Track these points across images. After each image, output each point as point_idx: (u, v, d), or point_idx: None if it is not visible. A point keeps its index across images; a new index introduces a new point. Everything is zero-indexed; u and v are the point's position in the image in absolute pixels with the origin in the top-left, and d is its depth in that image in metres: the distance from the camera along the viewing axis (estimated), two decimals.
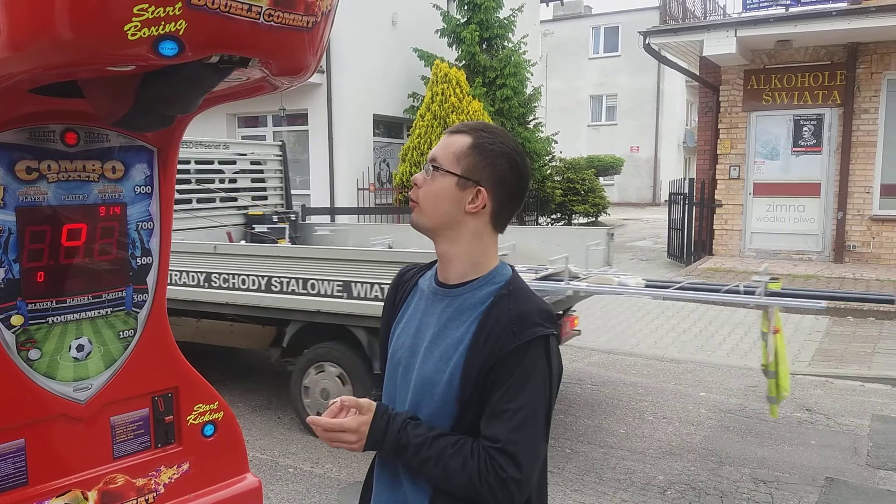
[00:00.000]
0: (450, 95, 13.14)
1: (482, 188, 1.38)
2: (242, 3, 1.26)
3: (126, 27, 1.19)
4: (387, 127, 15.83)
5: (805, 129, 11.21)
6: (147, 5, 1.19)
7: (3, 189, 1.64)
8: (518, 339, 1.31)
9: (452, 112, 13.02)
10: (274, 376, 6.01)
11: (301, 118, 15.00)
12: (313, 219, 12.70)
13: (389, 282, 1.61)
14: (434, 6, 15.18)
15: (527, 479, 1.31)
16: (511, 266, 1.48)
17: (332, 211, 14.12)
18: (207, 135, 15.50)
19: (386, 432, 1.36)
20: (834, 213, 11.04)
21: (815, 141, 11.18)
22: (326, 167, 14.72)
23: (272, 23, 1.32)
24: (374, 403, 1.40)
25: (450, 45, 15.23)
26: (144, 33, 1.21)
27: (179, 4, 1.21)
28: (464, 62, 14.99)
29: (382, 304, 1.64)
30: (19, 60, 1.31)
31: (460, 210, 1.38)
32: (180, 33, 1.22)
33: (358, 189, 14.65)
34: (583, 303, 8.97)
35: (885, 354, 6.58)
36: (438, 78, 13.37)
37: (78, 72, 1.41)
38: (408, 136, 14.70)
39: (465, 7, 14.96)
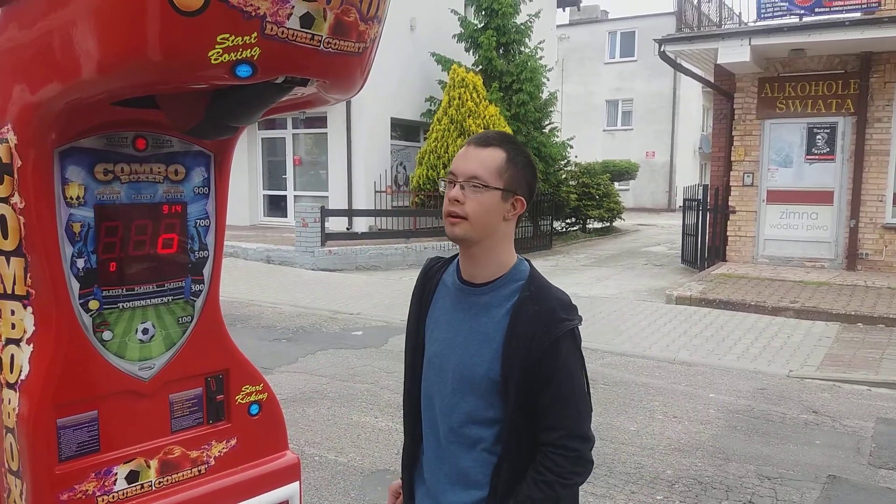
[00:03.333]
0: (466, 100, 13.32)
1: (520, 197, 1.55)
2: (307, 32, 1.46)
3: (210, 53, 1.39)
4: (404, 130, 16.06)
5: (818, 137, 11.31)
6: (228, 35, 1.39)
7: (84, 189, 1.85)
8: (550, 337, 1.48)
9: (469, 116, 13.20)
10: (298, 372, 6.23)
11: (320, 121, 15.27)
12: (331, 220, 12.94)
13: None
14: (452, 11, 15.40)
15: (591, 437, 1.54)
16: (527, 260, 1.62)
17: (350, 213, 14.36)
18: None
19: None
20: (846, 221, 11.13)
21: (828, 149, 11.28)
22: (344, 170, 14.97)
23: (330, 49, 1.52)
24: None
25: (467, 49, 15.44)
26: (225, 58, 1.40)
27: (255, 34, 1.41)
28: (481, 67, 15.17)
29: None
30: (110, 80, 1.51)
31: (500, 219, 1.53)
32: (255, 58, 1.42)
33: (375, 192, 14.89)
34: (598, 308, 9.13)
35: (893, 360, 6.69)
36: (455, 82, 13.56)
37: (159, 89, 1.62)
38: (424, 139, 14.91)
39: (483, 12, 15.16)
